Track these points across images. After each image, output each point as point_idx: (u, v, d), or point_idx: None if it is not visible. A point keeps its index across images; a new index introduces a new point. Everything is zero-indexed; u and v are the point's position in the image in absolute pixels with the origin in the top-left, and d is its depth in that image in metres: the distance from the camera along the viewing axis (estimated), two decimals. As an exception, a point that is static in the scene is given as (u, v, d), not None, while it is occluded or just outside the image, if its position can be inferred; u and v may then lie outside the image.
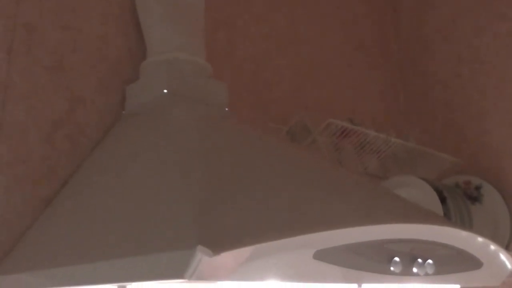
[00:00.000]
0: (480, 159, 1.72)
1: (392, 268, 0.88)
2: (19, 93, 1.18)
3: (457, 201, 1.54)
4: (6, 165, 1.13)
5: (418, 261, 0.92)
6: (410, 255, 0.91)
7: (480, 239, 0.99)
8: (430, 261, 0.93)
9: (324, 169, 1.06)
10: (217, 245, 0.68)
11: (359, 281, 0.89)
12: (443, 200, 1.51)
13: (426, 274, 0.93)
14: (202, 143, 0.98)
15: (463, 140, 1.78)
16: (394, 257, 0.89)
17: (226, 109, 1.25)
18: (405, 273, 0.90)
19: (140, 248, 0.78)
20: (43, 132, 1.19)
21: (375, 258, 0.87)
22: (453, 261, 0.99)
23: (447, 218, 1.43)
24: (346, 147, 1.52)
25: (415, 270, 0.92)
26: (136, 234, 0.81)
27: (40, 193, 1.16)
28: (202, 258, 0.67)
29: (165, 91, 1.18)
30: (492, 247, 1.02)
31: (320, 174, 1.02)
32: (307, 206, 0.83)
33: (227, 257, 0.69)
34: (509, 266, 1.07)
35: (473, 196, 1.64)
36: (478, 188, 1.65)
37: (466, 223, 1.50)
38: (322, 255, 0.79)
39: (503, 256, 1.05)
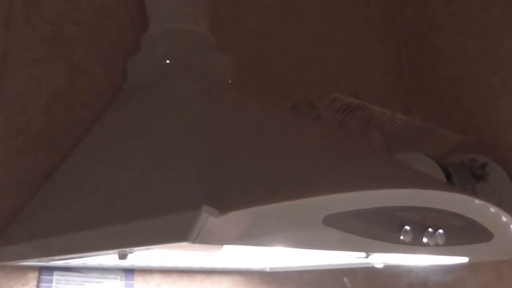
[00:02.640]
0: (486, 137, 1.69)
1: (402, 237, 0.86)
2: (18, 63, 1.17)
3: (463, 179, 1.52)
4: (5, 136, 1.12)
5: (428, 231, 0.90)
6: (421, 224, 0.89)
7: (492, 209, 0.97)
8: (440, 231, 0.91)
9: (332, 137, 1.04)
10: (224, 205, 0.65)
11: (367, 250, 0.87)
12: (448, 177, 1.49)
13: (436, 245, 0.91)
14: (206, 112, 0.95)
15: (469, 118, 1.75)
16: (404, 226, 0.86)
17: (230, 81, 1.22)
18: (415, 242, 0.88)
19: (142, 213, 0.75)
20: (43, 103, 1.18)
21: (385, 226, 0.85)
22: (463, 232, 0.96)
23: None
24: (350, 123, 1.49)
25: (425, 240, 0.90)
26: (139, 199, 0.79)
27: (40, 165, 1.15)
28: (208, 218, 0.64)
29: (168, 61, 1.16)
30: (504, 218, 0.99)
31: (328, 141, 0.99)
32: (316, 170, 0.81)
33: (234, 218, 0.67)
34: (520, 239, 1.04)
35: (478, 174, 1.61)
36: (483, 166, 1.62)
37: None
38: (332, 221, 0.77)
39: (514, 228, 1.03)
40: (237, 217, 0.67)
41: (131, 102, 1.15)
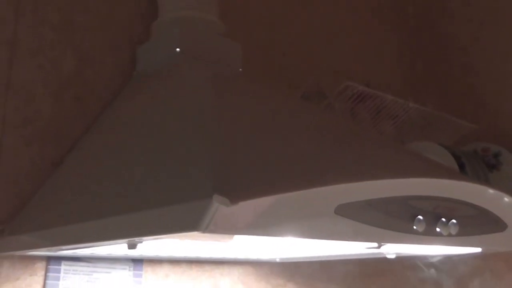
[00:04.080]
0: (499, 126, 1.67)
1: (415, 227, 0.85)
2: (27, 52, 1.16)
3: (476, 168, 1.50)
4: (13, 126, 1.12)
5: (442, 220, 0.88)
6: (434, 213, 0.87)
7: (506, 199, 0.95)
8: (454, 221, 0.89)
9: (344, 126, 1.02)
10: (235, 194, 0.64)
11: (380, 240, 0.86)
12: (461, 166, 1.47)
13: (449, 235, 0.89)
14: (216, 101, 0.94)
15: (482, 106, 1.73)
16: (417, 215, 0.85)
17: (240, 69, 1.21)
18: (428, 232, 0.87)
19: (152, 202, 0.74)
20: (51, 92, 1.18)
21: (398, 215, 0.83)
22: (476, 222, 0.95)
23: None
24: (361, 112, 1.48)
25: (438, 230, 0.88)
26: (149, 188, 0.78)
27: (48, 154, 1.14)
28: (219, 207, 0.63)
29: (178, 49, 1.14)
30: (519, 207, 0.98)
31: (340, 130, 0.98)
32: (329, 159, 0.80)
33: (245, 208, 0.65)
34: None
35: (492, 164, 1.59)
36: (496, 155, 1.60)
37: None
38: (344, 210, 0.76)
39: (529, 219, 1.01)
40: (248, 206, 0.66)
41: (141, 90, 1.14)
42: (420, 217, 0.85)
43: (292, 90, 1.48)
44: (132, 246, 0.85)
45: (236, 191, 0.65)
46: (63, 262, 1.16)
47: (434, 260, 1.49)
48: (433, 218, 0.87)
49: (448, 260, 1.48)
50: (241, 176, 0.69)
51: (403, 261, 1.41)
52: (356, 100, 1.45)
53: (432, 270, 1.55)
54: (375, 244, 0.91)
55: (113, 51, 1.27)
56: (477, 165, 1.51)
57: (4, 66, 1.12)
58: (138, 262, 1.25)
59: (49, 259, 1.15)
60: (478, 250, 1.05)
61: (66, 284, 1.16)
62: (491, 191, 0.93)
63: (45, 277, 1.14)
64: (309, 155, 0.79)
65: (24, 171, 1.11)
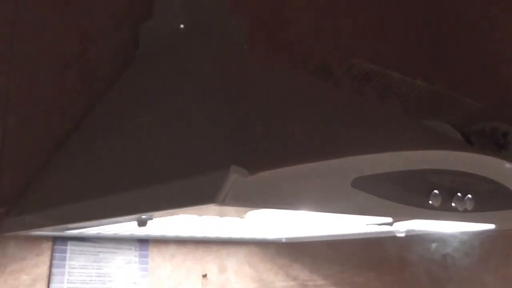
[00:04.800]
0: (508, 105, 1.65)
1: (430, 202, 0.83)
2: (28, 30, 1.14)
3: (484, 147, 1.48)
4: (17, 105, 1.11)
5: (457, 195, 0.87)
6: (450, 188, 0.86)
7: (522, 174, 0.93)
8: (469, 195, 0.88)
9: (357, 100, 1.01)
10: (252, 166, 0.62)
11: (395, 215, 0.84)
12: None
13: (465, 210, 0.88)
14: (226, 75, 0.92)
15: (491, 85, 1.70)
16: (433, 190, 0.83)
17: (246, 46, 1.19)
18: (443, 208, 0.85)
19: (167, 175, 0.72)
20: (54, 71, 1.16)
21: (415, 190, 0.82)
22: (492, 197, 0.93)
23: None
24: (368, 90, 1.46)
25: (453, 205, 0.87)
26: (162, 162, 0.76)
27: (52, 133, 1.13)
28: (237, 179, 0.61)
29: (182, 26, 1.12)
30: (535, 184, 0.96)
31: (354, 104, 0.96)
32: (346, 131, 0.78)
33: (263, 179, 0.64)
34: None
35: (500, 143, 1.57)
36: (505, 135, 1.58)
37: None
38: (361, 184, 0.74)
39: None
40: (266, 177, 0.64)
41: (147, 67, 1.13)
42: (436, 191, 0.83)
43: (298, 67, 1.46)
44: (142, 223, 0.83)
45: (254, 162, 0.63)
46: (69, 242, 1.15)
47: (444, 238, 1.47)
48: (449, 193, 0.86)
49: (458, 238, 1.47)
50: (258, 147, 0.67)
51: (410, 240, 1.40)
52: (363, 78, 1.43)
53: (440, 249, 1.54)
54: (389, 220, 0.89)
55: (116, 29, 1.24)
56: (485, 144, 1.50)
57: (6, 46, 1.11)
58: (144, 242, 1.24)
59: (55, 239, 1.14)
60: (491, 227, 1.03)
61: (73, 264, 1.15)
62: (508, 165, 0.91)
63: (52, 257, 1.13)
64: (326, 128, 0.78)
65: (28, 151, 1.10)
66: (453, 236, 1.43)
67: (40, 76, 1.13)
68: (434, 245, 1.55)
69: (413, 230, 1.12)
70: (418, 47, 1.87)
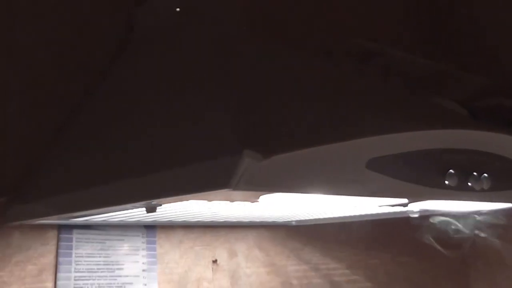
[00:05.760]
0: (513, 80, 1.63)
1: (446, 182, 0.82)
2: (25, 16, 1.12)
3: (494, 124, 1.46)
4: (14, 92, 1.09)
5: (474, 175, 0.85)
6: (466, 168, 0.84)
7: (538, 152, 0.91)
8: (485, 174, 0.86)
9: (364, 81, 0.98)
10: (266, 149, 0.60)
11: (411, 196, 0.82)
12: (477, 122, 1.43)
13: (482, 190, 0.86)
14: (229, 58, 0.89)
15: (495, 61, 1.68)
16: (449, 169, 0.81)
17: (244, 28, 1.16)
18: (460, 187, 0.84)
19: (177, 161, 0.70)
20: (52, 57, 1.14)
21: (430, 170, 0.80)
22: (509, 176, 0.91)
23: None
24: (369, 70, 1.43)
25: (470, 184, 0.85)
26: (169, 146, 0.74)
27: (52, 119, 1.11)
28: (250, 163, 0.59)
29: (178, 9, 1.09)
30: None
31: (362, 85, 0.94)
32: (359, 112, 0.76)
33: (277, 162, 0.62)
34: None
35: (507, 119, 1.55)
36: (511, 110, 1.56)
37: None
38: (376, 165, 0.72)
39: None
40: (280, 161, 0.62)
41: (145, 51, 1.10)
42: (452, 171, 0.82)
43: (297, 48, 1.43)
44: (151, 209, 0.81)
45: (267, 145, 0.61)
46: (74, 231, 1.14)
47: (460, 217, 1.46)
48: (465, 172, 0.84)
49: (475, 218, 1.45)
50: (270, 130, 0.65)
51: (425, 220, 1.38)
52: (363, 58, 1.40)
53: (457, 229, 1.52)
54: (405, 201, 0.87)
55: (111, 14, 1.22)
56: (493, 121, 1.48)
57: (4, 31, 1.09)
58: (151, 228, 1.23)
59: (60, 228, 1.13)
60: (509, 205, 1.02)
61: (79, 253, 1.13)
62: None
63: (57, 246, 1.12)
64: (338, 108, 0.76)
65: (29, 138, 1.09)
66: (469, 215, 1.42)
67: (38, 62, 1.11)
68: (450, 225, 1.54)
69: (427, 210, 1.10)
70: (419, 25, 1.84)
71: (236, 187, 0.60)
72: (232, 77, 0.79)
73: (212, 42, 0.97)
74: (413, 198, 0.85)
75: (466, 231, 1.53)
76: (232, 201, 0.74)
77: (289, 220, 1.34)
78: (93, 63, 1.17)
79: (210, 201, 0.74)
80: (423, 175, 0.80)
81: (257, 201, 0.76)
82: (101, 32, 1.20)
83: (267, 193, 0.72)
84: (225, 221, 1.26)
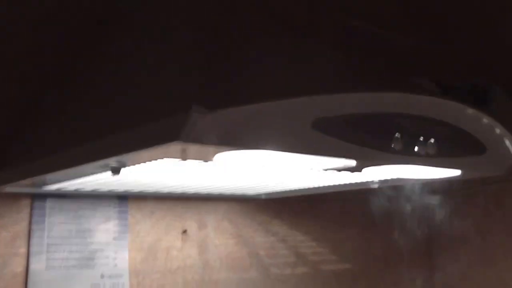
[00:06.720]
0: (490, 60, 1.65)
1: (393, 145, 0.85)
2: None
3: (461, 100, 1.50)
4: None
5: (420, 140, 0.88)
6: (413, 133, 0.88)
7: (485, 120, 0.95)
8: (432, 140, 0.89)
9: (324, 46, 0.99)
10: (213, 103, 0.65)
11: (355, 158, 0.85)
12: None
13: (428, 155, 0.90)
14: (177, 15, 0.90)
15: (473, 40, 1.70)
16: (395, 134, 0.85)
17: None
18: (406, 152, 0.87)
19: (131, 120, 0.74)
20: (31, 30, 1.14)
21: (376, 133, 0.83)
22: (455, 143, 0.95)
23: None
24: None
25: (416, 149, 0.88)
26: (126, 108, 0.78)
27: (28, 91, 1.13)
28: (198, 116, 0.63)
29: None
30: (498, 130, 0.98)
31: (318, 48, 0.94)
32: (304, 71, 0.78)
33: (224, 116, 0.66)
34: (513, 153, 1.03)
35: (480, 100, 1.58)
36: (485, 92, 1.59)
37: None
38: (322, 125, 0.76)
39: (508, 142, 1.02)
40: (227, 115, 0.66)
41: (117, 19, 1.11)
42: (398, 135, 0.85)
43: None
44: (115, 171, 0.85)
45: (215, 101, 0.65)
46: (48, 199, 1.17)
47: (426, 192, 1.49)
48: (411, 137, 0.87)
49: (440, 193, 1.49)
50: (218, 85, 0.69)
51: (393, 196, 1.42)
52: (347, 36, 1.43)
53: (423, 203, 1.56)
54: (351, 165, 0.90)
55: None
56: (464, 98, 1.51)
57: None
58: (123, 199, 1.27)
59: (34, 197, 1.17)
60: (457, 173, 1.05)
61: (52, 221, 1.17)
62: (470, 111, 0.93)
63: (31, 214, 1.15)
64: (286, 70, 0.78)
65: (4, 109, 1.11)
66: (434, 189, 1.46)
67: (19, 35, 1.13)
68: (417, 199, 1.57)
69: (386, 181, 1.13)
70: (403, 2, 1.87)
71: (186, 139, 0.65)
72: (182, 36, 0.81)
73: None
74: (359, 160, 0.88)
75: (433, 206, 1.57)
76: (184, 159, 0.77)
77: (259, 193, 1.38)
78: (70, 32, 1.17)
79: (163, 158, 0.77)
80: (369, 138, 0.82)
81: (211, 160, 0.79)
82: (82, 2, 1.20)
83: (219, 152, 0.76)
84: (196, 193, 1.29)
